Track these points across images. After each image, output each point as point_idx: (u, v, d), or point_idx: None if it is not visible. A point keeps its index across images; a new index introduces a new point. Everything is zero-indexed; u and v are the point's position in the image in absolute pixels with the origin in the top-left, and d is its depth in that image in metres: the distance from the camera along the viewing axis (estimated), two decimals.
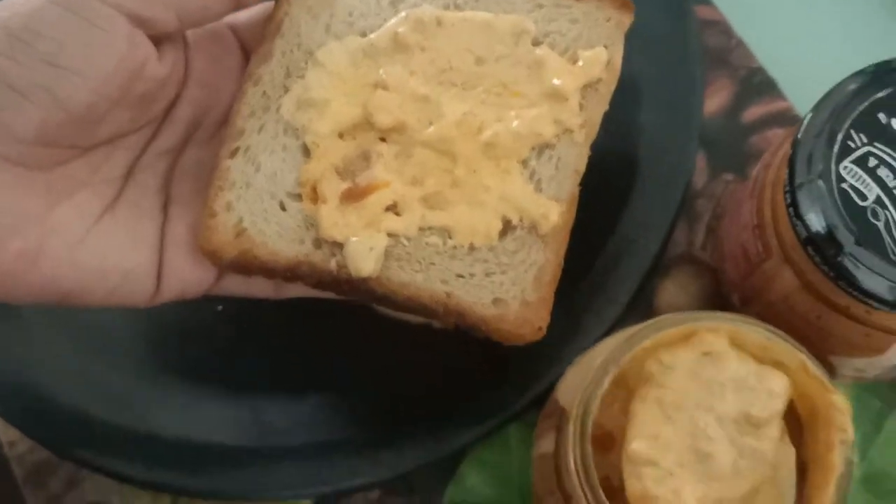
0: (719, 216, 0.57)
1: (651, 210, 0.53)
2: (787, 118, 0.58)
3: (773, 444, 0.38)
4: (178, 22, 0.39)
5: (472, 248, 0.42)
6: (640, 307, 0.54)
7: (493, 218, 0.42)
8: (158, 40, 0.40)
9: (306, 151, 0.42)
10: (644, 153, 0.54)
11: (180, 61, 0.42)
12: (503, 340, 0.42)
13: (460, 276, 0.42)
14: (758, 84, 0.59)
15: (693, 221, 0.57)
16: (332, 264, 0.41)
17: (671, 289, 0.56)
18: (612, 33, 0.45)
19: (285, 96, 0.42)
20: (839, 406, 0.39)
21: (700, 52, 0.56)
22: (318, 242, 0.42)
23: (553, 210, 0.42)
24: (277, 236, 0.42)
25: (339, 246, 0.41)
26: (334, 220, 0.41)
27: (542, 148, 0.43)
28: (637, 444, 0.38)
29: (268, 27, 0.44)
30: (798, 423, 0.42)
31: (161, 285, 0.41)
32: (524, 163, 0.43)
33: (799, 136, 0.42)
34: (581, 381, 0.41)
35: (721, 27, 0.61)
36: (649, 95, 0.56)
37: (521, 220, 0.43)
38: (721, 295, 0.54)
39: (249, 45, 0.45)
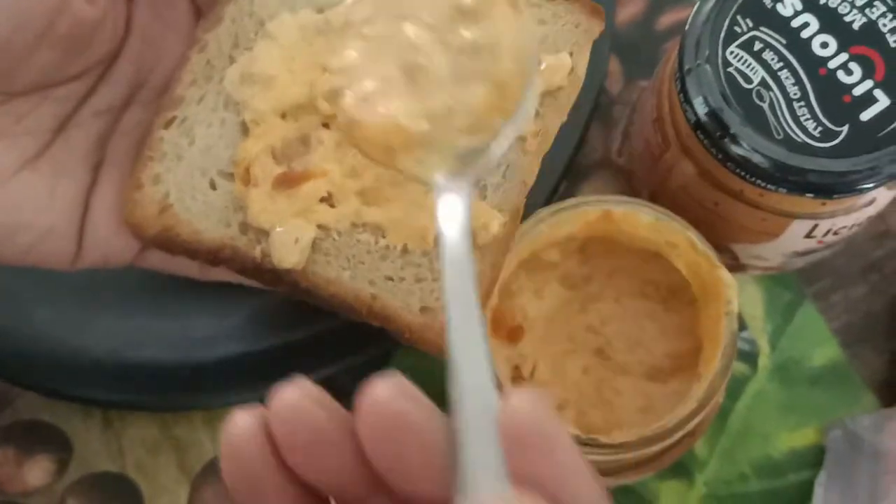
0: (633, 122, 0.58)
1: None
2: None
3: (501, 27, 0.34)
4: None
5: (405, 250, 0.40)
6: None
7: (431, 221, 0.39)
8: None
9: (245, 129, 0.40)
10: None
11: (119, 8, 0.39)
12: (428, 350, 0.40)
13: (389, 278, 0.40)
14: None
15: (609, 128, 0.58)
16: (257, 252, 0.39)
17: (587, 192, 0.57)
18: (580, 39, 0.43)
19: (230, 67, 0.40)
20: (725, 280, 0.40)
21: None
22: (245, 227, 0.39)
23: (495, 220, 0.39)
24: (203, 216, 0.39)
25: (265, 233, 0.39)
26: (264, 205, 0.39)
27: None
28: (329, 77, 0.35)
29: None
30: (693, 302, 0.44)
31: (82, 250, 0.39)
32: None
33: (688, 24, 0.43)
34: None
35: None
36: None
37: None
38: (634, 195, 0.55)
39: (201, 2, 0.42)
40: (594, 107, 0.55)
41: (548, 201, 0.53)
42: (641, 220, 0.41)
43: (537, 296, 0.46)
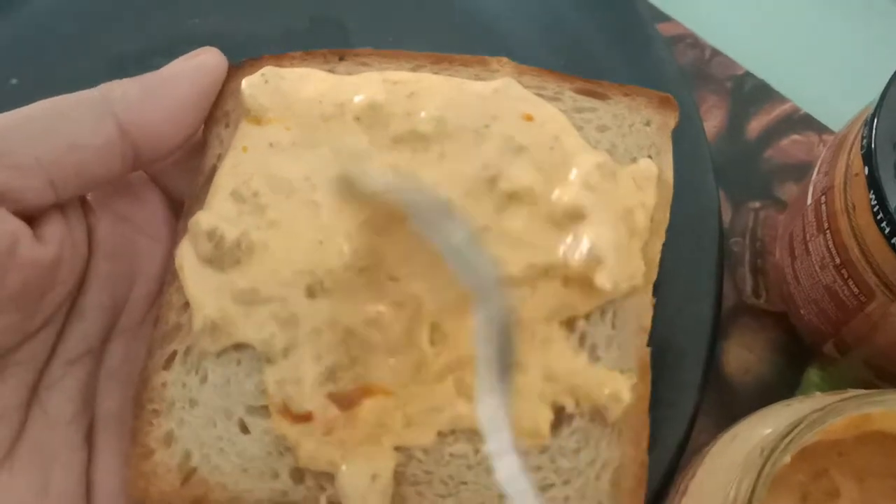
0: (762, 252, 0.48)
1: (689, 271, 0.44)
2: (798, 120, 0.51)
3: None
4: (53, 192, 0.31)
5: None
6: (711, 380, 0.45)
7: (539, 406, 0.32)
8: (33, 215, 0.31)
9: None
10: None
11: (76, 234, 0.33)
12: None
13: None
14: (751, 91, 0.51)
15: (734, 266, 0.48)
16: (323, 502, 0.31)
17: (736, 351, 0.47)
18: (657, 139, 0.35)
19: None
20: None
21: (680, 70, 0.48)
22: (299, 474, 0.32)
23: (621, 385, 0.32)
24: (240, 472, 0.32)
25: (328, 477, 0.31)
26: (318, 440, 0.31)
27: None
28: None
29: (196, 178, 0.35)
30: None
31: None
32: (567, 324, 0.33)
33: (872, 146, 0.34)
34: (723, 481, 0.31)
35: (689, 41, 0.53)
36: None
37: (577, 406, 0.32)
38: (798, 344, 0.45)
39: (176, 192, 0.36)
40: (721, 252, 0.45)
41: (704, 380, 0.43)
42: None
43: None
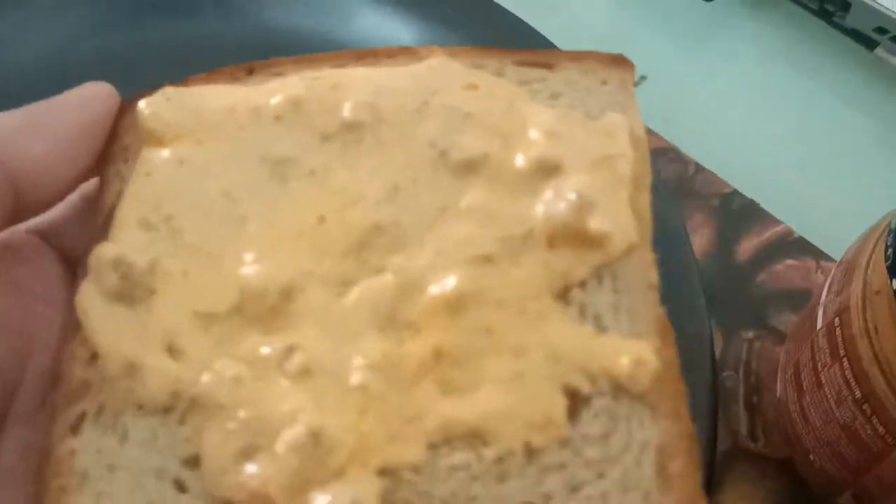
0: (758, 388, 0.42)
1: None
2: (792, 243, 0.46)
3: None
4: None
5: (530, 451, 0.27)
6: None
7: (549, 392, 0.27)
8: None
9: None
10: None
11: None
12: None
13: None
14: (739, 210, 0.47)
15: (727, 403, 0.42)
16: None
17: None
18: (618, 97, 0.32)
19: None
20: None
21: (664, 183, 0.43)
22: None
23: (642, 349, 0.27)
24: None
25: None
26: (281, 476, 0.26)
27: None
28: None
29: (94, 221, 0.30)
30: None
31: None
32: (562, 296, 0.29)
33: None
34: None
35: (672, 155, 0.49)
36: None
37: (594, 384, 0.27)
38: (807, 496, 0.39)
39: (73, 252, 0.31)
40: (713, 386, 0.39)
41: None
42: None
43: None
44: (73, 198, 0.31)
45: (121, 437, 0.28)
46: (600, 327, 0.28)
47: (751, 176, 0.48)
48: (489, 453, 0.27)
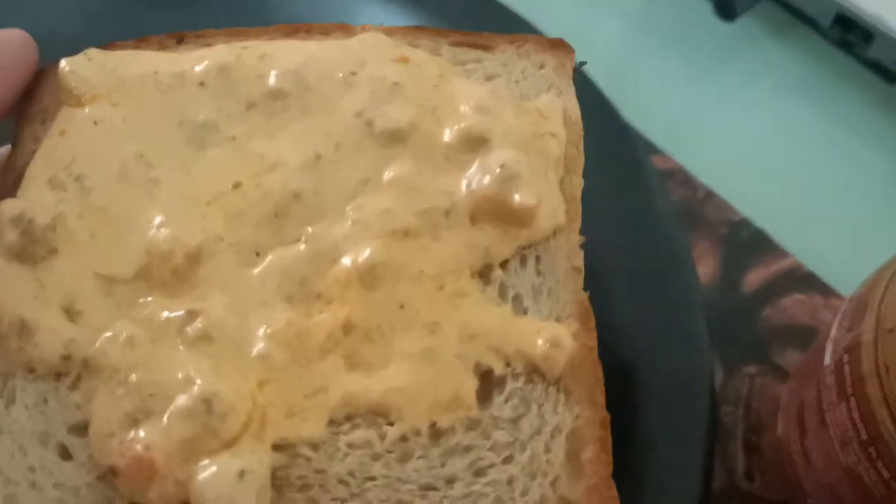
0: (757, 428, 0.40)
1: (675, 440, 0.36)
2: (801, 278, 0.44)
3: None
4: None
5: (435, 431, 0.26)
6: None
7: (459, 371, 0.27)
8: None
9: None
10: (641, 364, 0.38)
11: None
12: None
13: (430, 487, 0.26)
14: (748, 240, 0.45)
15: (724, 440, 0.40)
16: None
17: None
18: (555, 80, 0.32)
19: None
20: None
21: (672, 205, 0.41)
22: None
23: (559, 332, 0.27)
24: None
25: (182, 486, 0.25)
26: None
27: None
28: None
29: (4, 180, 0.31)
30: None
31: None
32: (482, 275, 0.28)
33: None
34: None
35: (680, 177, 0.47)
36: (623, 285, 0.40)
37: (508, 365, 0.27)
38: None
39: None
40: (712, 419, 0.37)
41: None
42: None
43: None
44: None
45: (7, 400, 0.27)
46: (520, 309, 0.28)
47: (761, 205, 0.46)
48: (393, 432, 0.26)
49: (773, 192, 0.47)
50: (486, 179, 0.29)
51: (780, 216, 0.46)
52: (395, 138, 0.30)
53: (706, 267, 0.44)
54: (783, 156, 0.48)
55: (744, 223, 0.46)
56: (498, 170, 0.28)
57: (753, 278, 0.44)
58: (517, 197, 0.28)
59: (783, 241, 0.45)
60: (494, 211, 0.29)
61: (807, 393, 0.34)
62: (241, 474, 0.24)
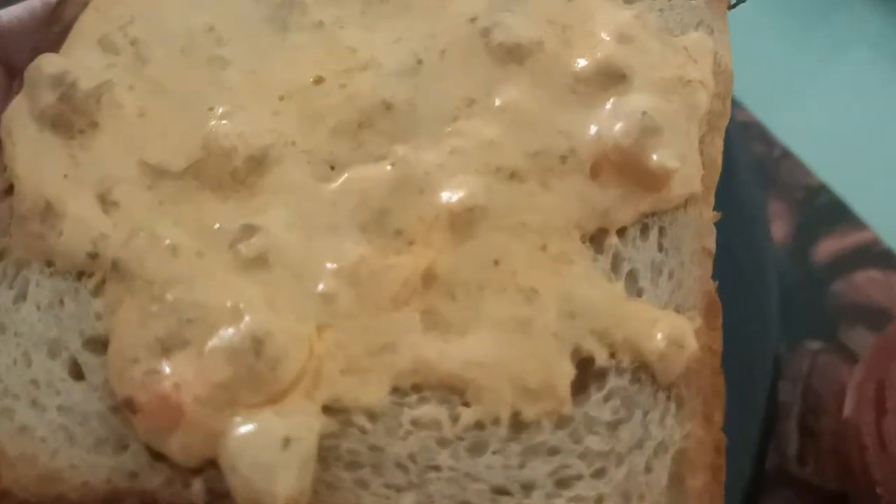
0: (815, 409, 0.37)
1: (727, 419, 0.33)
2: (878, 255, 0.40)
3: None
4: None
5: (517, 422, 0.22)
6: None
7: (556, 353, 0.22)
8: None
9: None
10: None
11: None
12: None
13: (503, 491, 0.21)
14: (824, 207, 0.42)
15: (777, 417, 0.37)
16: (196, 490, 0.21)
17: None
18: (706, 16, 0.27)
19: None
20: None
21: (753, 160, 0.38)
22: None
23: (681, 328, 0.22)
24: (64, 437, 0.21)
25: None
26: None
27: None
28: None
29: (49, 31, 0.27)
30: None
31: None
32: (595, 241, 0.24)
33: None
34: None
35: (756, 132, 0.43)
36: None
37: (612, 357, 0.22)
38: None
39: (19, 63, 0.27)
40: (771, 394, 0.33)
41: None
42: None
43: None
44: (35, 4, 0.27)
45: (17, 294, 0.23)
46: (633, 289, 0.23)
47: (843, 172, 0.42)
48: (467, 415, 0.21)
49: (857, 159, 0.43)
50: (620, 127, 0.24)
51: (863, 186, 0.42)
52: (514, 55, 0.25)
53: (776, 231, 0.41)
54: (873, 123, 0.45)
55: (821, 188, 0.42)
56: (639, 117, 0.24)
57: (826, 248, 0.41)
58: (655, 156, 0.24)
59: (863, 212, 0.41)
60: (623, 167, 0.24)
61: (891, 371, 0.30)
62: (287, 442, 0.20)
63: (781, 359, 0.38)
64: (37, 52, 0.26)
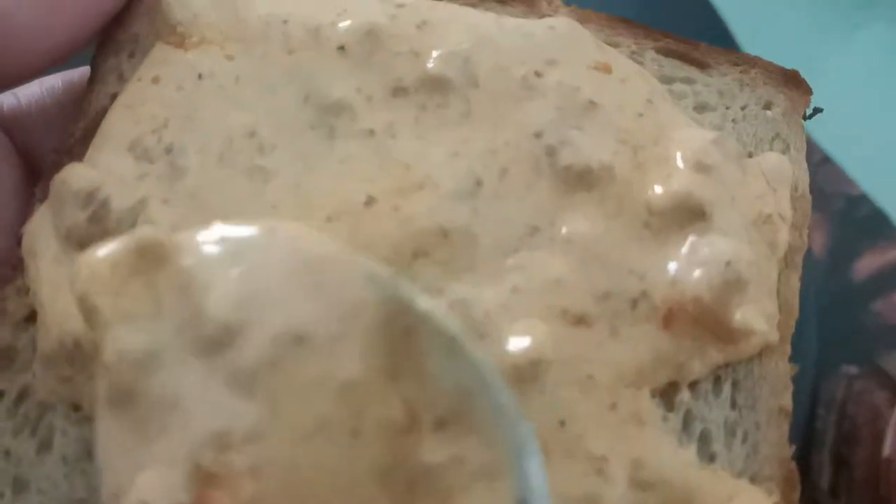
0: (849, 439, 0.35)
1: None
2: None
3: None
4: None
5: None
6: None
7: None
8: None
9: None
10: None
11: None
12: None
13: None
14: (866, 219, 0.39)
15: (809, 443, 0.35)
16: None
17: None
18: (782, 130, 0.24)
19: None
20: None
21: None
22: None
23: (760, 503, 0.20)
24: None
25: None
26: None
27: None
28: None
29: (74, 126, 0.24)
30: None
31: None
32: (665, 396, 0.21)
33: None
34: None
35: None
36: None
37: None
38: None
39: (39, 154, 0.25)
40: (810, 427, 0.31)
41: None
42: None
43: None
44: (55, 83, 0.25)
45: (40, 444, 0.21)
46: (707, 452, 0.21)
47: (887, 182, 0.40)
48: None
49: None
50: (700, 275, 0.21)
51: None
52: (583, 181, 0.22)
53: (812, 243, 0.38)
54: None
55: (863, 199, 0.40)
56: (720, 267, 0.21)
57: (866, 265, 0.38)
58: (738, 315, 0.21)
59: None
60: (699, 319, 0.21)
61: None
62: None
63: (815, 381, 0.36)
64: (59, 145, 0.23)
